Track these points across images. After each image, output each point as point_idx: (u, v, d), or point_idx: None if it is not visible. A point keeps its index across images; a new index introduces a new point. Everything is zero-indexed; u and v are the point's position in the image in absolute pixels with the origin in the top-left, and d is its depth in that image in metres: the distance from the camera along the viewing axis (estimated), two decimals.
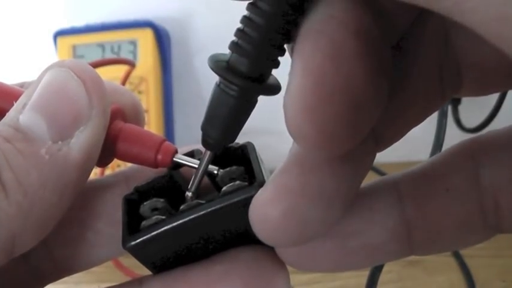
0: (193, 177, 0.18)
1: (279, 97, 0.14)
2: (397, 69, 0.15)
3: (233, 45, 0.14)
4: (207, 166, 0.17)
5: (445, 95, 0.16)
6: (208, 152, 0.17)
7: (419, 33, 0.15)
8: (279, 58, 0.15)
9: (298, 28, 0.13)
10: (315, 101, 0.11)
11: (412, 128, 0.16)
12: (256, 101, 0.15)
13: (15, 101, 0.16)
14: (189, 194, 0.18)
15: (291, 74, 0.12)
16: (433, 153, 0.35)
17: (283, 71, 0.14)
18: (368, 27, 0.12)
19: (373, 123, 0.13)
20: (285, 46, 0.14)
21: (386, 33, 0.13)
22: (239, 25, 0.14)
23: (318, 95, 0.11)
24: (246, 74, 0.14)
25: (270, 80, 0.15)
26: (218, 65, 0.15)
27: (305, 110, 0.12)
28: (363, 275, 0.34)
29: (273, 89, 0.15)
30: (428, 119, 0.17)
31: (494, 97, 0.49)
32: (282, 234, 0.14)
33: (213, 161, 0.18)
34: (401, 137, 0.16)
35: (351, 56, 0.12)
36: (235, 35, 0.14)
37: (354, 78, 0.12)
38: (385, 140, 0.16)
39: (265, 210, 0.14)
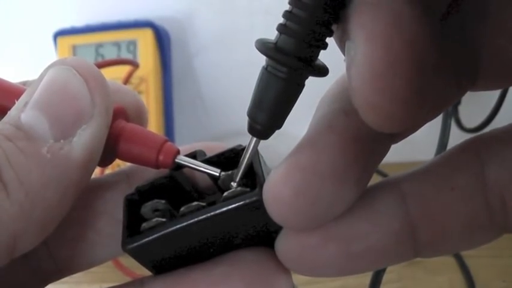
0: (238, 167, 0.17)
1: None
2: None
3: (281, 27, 0.14)
4: (252, 154, 0.17)
5: (460, 87, 0.16)
6: (255, 139, 0.17)
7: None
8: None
9: (347, 5, 0.13)
10: (384, 67, 0.11)
11: (428, 121, 0.16)
12: (303, 85, 0.15)
13: (17, 100, 0.16)
14: (233, 184, 0.17)
15: (352, 48, 0.12)
16: (437, 154, 0.35)
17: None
18: None
19: (435, 91, 0.13)
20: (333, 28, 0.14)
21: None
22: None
23: (386, 60, 0.11)
24: (294, 54, 0.14)
25: (318, 63, 0.15)
26: (266, 46, 0.14)
27: (375, 77, 0.11)
28: (364, 275, 0.34)
29: (322, 70, 0.15)
30: None
31: (494, 97, 0.49)
32: (294, 213, 0.14)
33: (215, 163, 0.18)
34: (417, 129, 0.16)
35: (411, 22, 0.12)
36: (283, 16, 0.14)
37: (417, 42, 0.12)
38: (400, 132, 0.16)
39: (277, 189, 0.14)
